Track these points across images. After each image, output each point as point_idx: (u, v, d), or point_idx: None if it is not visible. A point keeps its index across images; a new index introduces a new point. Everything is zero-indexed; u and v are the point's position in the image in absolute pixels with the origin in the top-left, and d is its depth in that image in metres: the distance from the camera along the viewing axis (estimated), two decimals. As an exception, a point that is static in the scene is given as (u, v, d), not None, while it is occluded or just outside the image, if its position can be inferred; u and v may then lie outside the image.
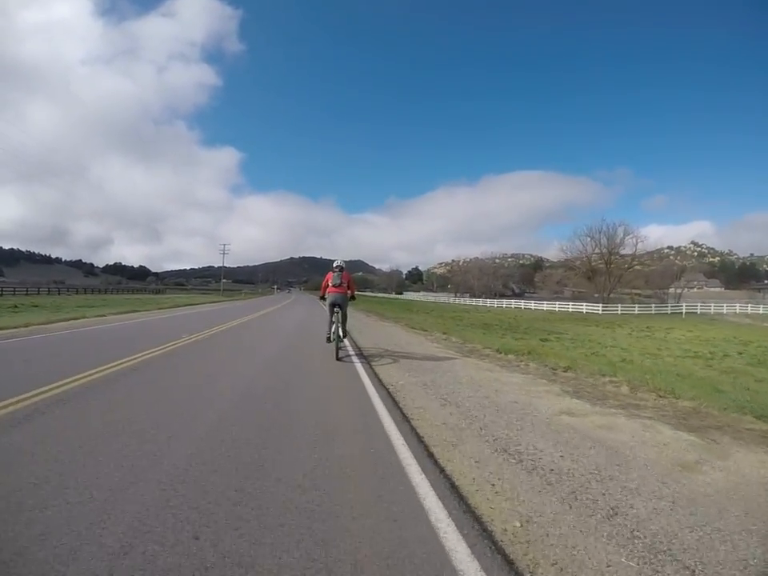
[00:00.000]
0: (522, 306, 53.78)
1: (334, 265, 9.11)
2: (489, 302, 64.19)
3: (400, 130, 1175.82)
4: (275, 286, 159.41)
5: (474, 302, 68.67)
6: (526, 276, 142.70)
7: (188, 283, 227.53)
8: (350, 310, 9.78)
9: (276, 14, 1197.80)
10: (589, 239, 63.73)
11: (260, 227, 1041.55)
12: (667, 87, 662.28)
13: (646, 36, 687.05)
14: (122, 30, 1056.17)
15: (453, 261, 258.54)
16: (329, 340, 8.98)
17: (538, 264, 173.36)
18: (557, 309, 46.30)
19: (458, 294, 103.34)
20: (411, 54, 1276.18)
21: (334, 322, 8.73)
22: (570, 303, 49.36)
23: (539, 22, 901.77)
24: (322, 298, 9.29)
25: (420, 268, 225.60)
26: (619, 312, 43.59)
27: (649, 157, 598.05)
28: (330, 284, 8.77)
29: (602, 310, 43.22)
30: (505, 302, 60.29)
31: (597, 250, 63.08)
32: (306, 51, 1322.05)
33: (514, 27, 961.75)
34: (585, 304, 46.06)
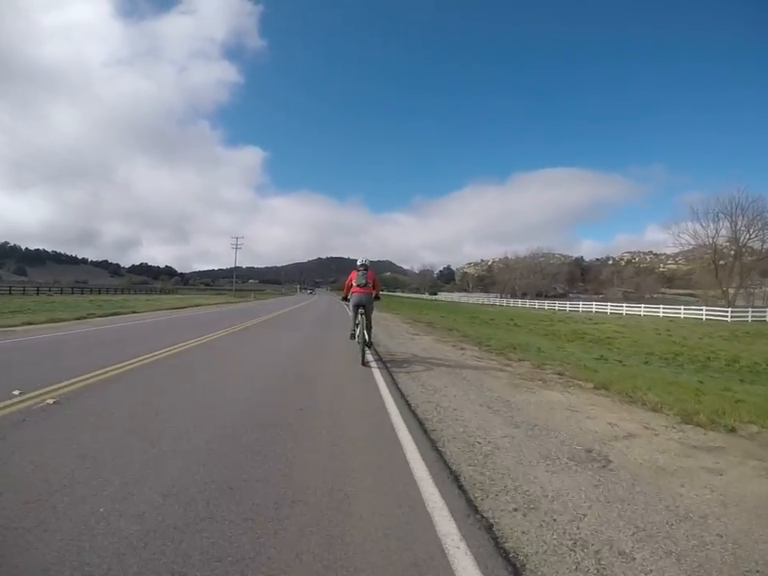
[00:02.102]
0: (623, 312, 40.56)
1: (358, 263, 8.44)
2: (549, 305, 54.60)
3: (427, 128, 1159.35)
4: (298, 286, 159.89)
5: (529, 304, 59.23)
6: (571, 275, 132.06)
7: (214, 283, 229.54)
8: (382, 315, 11.65)
9: (297, 8, 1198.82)
10: (719, 218, 44.14)
11: (286, 228, 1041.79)
12: (702, 84, 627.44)
13: (683, 30, 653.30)
14: (142, 30, 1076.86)
15: (482, 260, 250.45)
16: (352, 336, 8.39)
17: (578, 262, 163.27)
18: (682, 315, 35.24)
19: (502, 295, 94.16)
20: (437, 49, 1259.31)
21: (358, 324, 8.03)
22: (688, 307, 39.48)
23: (570, 15, 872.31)
24: (345, 298, 8.60)
25: (451, 267, 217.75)
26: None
27: (684, 152, 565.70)
28: (354, 284, 8.13)
29: (732, 317, 31.68)
30: (569, 305, 50.38)
31: (723, 234, 44.04)
32: (329, 46, 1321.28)
33: (542, 19, 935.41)
34: (705, 309, 35.00)
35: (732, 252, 43.88)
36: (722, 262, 44.23)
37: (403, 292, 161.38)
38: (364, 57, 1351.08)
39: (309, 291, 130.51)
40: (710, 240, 44.60)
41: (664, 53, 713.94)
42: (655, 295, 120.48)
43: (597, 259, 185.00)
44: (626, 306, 41.96)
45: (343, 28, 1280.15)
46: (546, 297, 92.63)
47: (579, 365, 9.01)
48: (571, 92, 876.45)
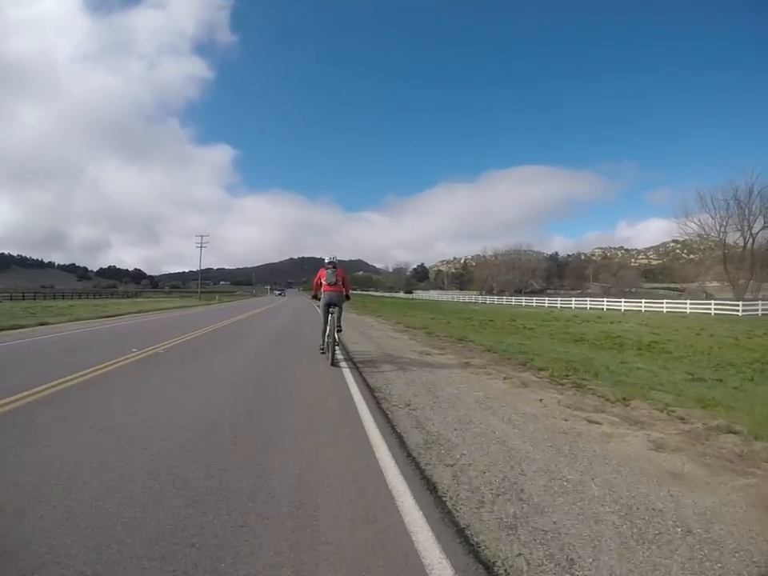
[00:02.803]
0: (621, 308, 37.75)
1: (327, 261, 8.05)
2: (539, 301, 51.42)
3: (398, 125, 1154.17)
4: (268, 287, 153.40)
5: (515, 301, 55.68)
6: (548, 271, 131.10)
7: (184, 285, 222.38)
8: (362, 319, 11.39)
9: (269, 2, 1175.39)
10: (730, 205, 41.36)
11: (258, 228, 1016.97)
12: (671, 73, 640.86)
13: (653, 19, 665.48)
14: (111, 23, 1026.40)
15: (455, 258, 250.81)
16: (322, 351, 8.09)
17: (553, 258, 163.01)
18: (688, 310, 32.55)
19: (483, 292, 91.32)
20: (409, 44, 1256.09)
21: (328, 328, 7.72)
22: (691, 301, 36.87)
23: (547, 5, 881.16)
24: (315, 297, 8.58)
25: (425, 265, 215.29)
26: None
27: (654, 148, 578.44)
28: (324, 282, 7.86)
29: (743, 311, 29.40)
30: (560, 301, 47.38)
31: (729, 223, 41.39)
32: (301, 42, 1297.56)
33: (518, 8, 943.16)
34: (714, 302, 32.54)
35: (740, 242, 41.35)
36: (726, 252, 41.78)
37: (377, 291, 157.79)
38: (336, 53, 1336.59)
39: (278, 292, 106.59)
40: (719, 229, 42.24)
41: (638, 46, 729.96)
42: (633, 290, 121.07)
43: (568, 255, 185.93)
44: (625, 302, 39.17)
45: (315, 23, 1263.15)
46: (524, 293, 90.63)
47: (705, 398, 5.31)
48: (544, 89, 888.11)
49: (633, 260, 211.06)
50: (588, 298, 45.44)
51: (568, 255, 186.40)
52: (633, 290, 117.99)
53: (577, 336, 14.98)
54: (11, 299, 40.75)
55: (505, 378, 6.44)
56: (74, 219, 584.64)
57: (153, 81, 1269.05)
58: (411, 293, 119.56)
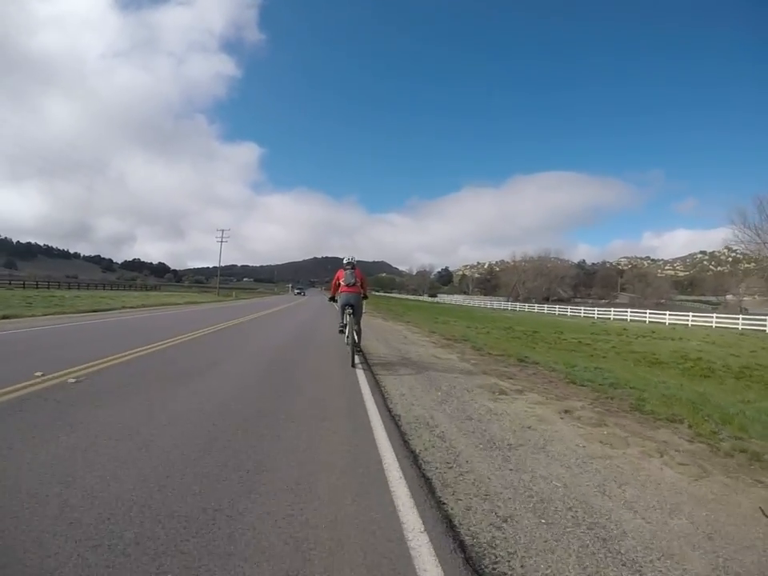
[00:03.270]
0: (666, 321, 34.99)
1: (345, 261, 7.95)
2: (573, 311, 48.20)
3: (425, 129, 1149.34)
4: (289, 285, 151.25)
5: (547, 309, 52.24)
6: (577, 279, 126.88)
7: (207, 281, 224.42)
8: (388, 326, 11.23)
9: (298, 1, 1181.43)
10: None
11: (282, 226, 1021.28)
12: (703, 83, 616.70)
13: (686, 31, 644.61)
14: (140, 20, 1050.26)
15: (478, 263, 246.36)
16: (341, 331, 8.13)
17: (580, 266, 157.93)
18: (740, 327, 29.42)
19: (508, 299, 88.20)
20: (440, 48, 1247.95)
21: (346, 324, 7.71)
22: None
23: (573, 13, 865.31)
24: (332, 299, 8.47)
25: (449, 269, 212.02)
26: None
27: (681, 157, 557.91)
28: (343, 283, 7.74)
29: None
30: (597, 311, 43.95)
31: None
32: (329, 42, 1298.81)
33: (544, 17, 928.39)
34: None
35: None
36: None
37: (400, 293, 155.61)
38: (365, 54, 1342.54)
39: (297, 291, 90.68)
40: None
41: (667, 55, 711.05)
42: (663, 301, 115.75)
43: (593, 263, 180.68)
44: (670, 315, 35.95)
45: (344, 24, 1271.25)
46: (551, 301, 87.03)
47: None
48: (572, 95, 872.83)
49: (659, 270, 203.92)
50: (629, 309, 42.20)
51: (593, 263, 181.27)
52: (663, 301, 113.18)
53: (649, 357, 12.47)
54: (24, 287, 40.24)
55: (662, 455, 3.85)
56: (101, 212, 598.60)
57: (181, 78, 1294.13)
58: (435, 296, 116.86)
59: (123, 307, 19.33)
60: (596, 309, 45.26)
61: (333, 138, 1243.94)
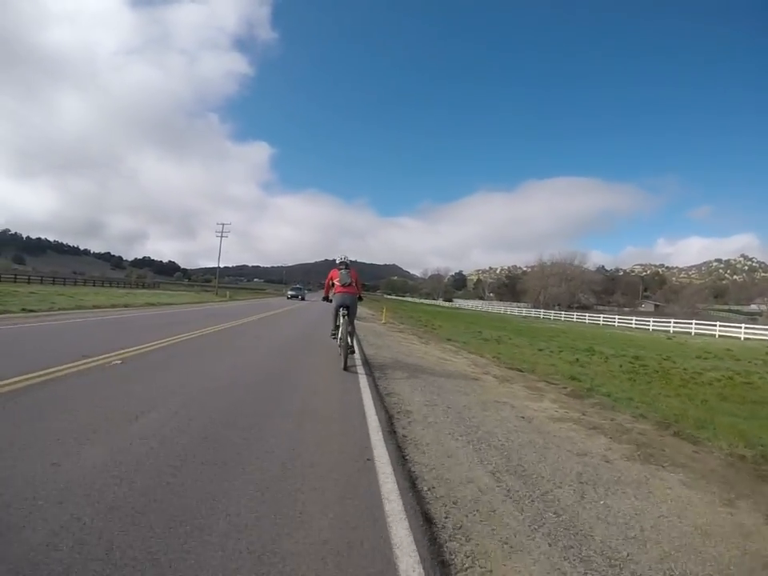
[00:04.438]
0: (716, 332, 30.10)
1: (338, 261, 7.96)
2: (621, 320, 41.55)
3: (437, 133, 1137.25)
4: (298, 285, 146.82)
5: (587, 318, 45.59)
6: (603, 285, 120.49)
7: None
8: (428, 351, 9.10)
9: (312, 1, 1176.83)
10: None
11: (293, 227, 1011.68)
12: (719, 87, 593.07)
13: (705, 30, 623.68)
14: (153, 17, 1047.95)
15: (490, 267, 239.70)
16: (333, 336, 7.85)
17: (599, 271, 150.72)
18: None
19: (529, 305, 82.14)
20: (456, 49, 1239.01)
21: (339, 326, 7.46)
22: None
23: (586, 16, 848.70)
24: (326, 299, 8.18)
25: (463, 273, 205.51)
26: None
27: (697, 162, 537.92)
28: (338, 282, 7.57)
29: None
30: (653, 321, 36.95)
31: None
32: (343, 41, 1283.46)
33: (554, 20, 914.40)
34: None
35: None
36: None
37: (413, 296, 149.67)
38: (376, 54, 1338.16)
39: (292, 293, 50.78)
40: None
41: (684, 57, 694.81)
42: (686, 309, 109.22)
43: (607, 270, 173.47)
44: (721, 326, 30.21)
45: (359, 24, 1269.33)
46: (575, 308, 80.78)
47: None
48: (588, 97, 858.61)
49: (674, 278, 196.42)
50: (672, 319, 36.16)
51: (606, 270, 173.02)
52: (697, 311, 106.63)
53: None
54: (15, 281, 37.85)
55: None
56: (114, 209, 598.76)
57: (193, 76, 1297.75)
58: (451, 301, 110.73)
59: (79, 308, 13.91)
60: (650, 319, 38.70)
61: (344, 139, 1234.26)
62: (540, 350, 13.20)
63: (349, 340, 7.30)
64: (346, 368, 6.97)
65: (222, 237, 54.11)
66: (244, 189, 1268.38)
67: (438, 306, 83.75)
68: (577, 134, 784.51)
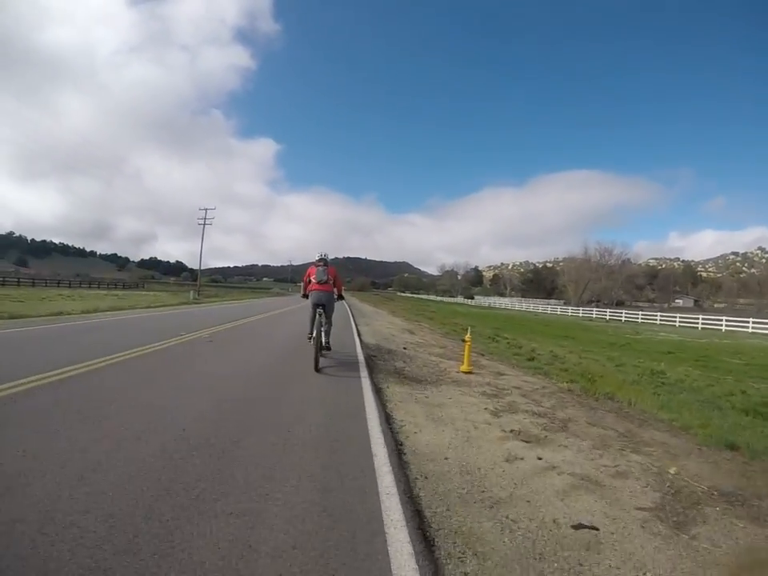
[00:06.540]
0: None
1: (317, 257, 7.46)
2: (708, 320, 33.87)
3: (445, 127, 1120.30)
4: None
5: (658, 318, 37.36)
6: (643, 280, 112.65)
7: (225, 281, 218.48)
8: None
9: None
10: None
11: (301, 225, 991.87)
12: (735, 77, 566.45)
13: (720, 20, 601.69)
14: (152, 12, 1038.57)
15: (501, 263, 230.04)
16: (310, 339, 7.31)
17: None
18: None
19: (563, 302, 74.77)
20: (460, 42, 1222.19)
21: (315, 330, 7.04)
22: None
23: (596, 8, 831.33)
24: (305, 296, 7.70)
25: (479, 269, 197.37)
26: None
27: (711, 154, 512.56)
28: (314, 280, 7.22)
29: None
30: (724, 320, 29.48)
31: None
32: (347, 33, 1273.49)
33: (565, 12, 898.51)
34: None
35: None
36: None
37: (428, 293, 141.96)
38: (383, 45, 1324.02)
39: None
40: None
41: (697, 46, 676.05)
42: (720, 305, 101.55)
43: (622, 263, 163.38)
44: None
45: (363, 14, 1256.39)
46: (608, 305, 73.34)
47: None
48: (594, 90, 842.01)
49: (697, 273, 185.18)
50: (739, 319, 29.24)
51: (622, 263, 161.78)
52: (720, 305, 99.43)
53: None
54: (3, 284, 37.94)
55: None
56: (120, 210, 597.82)
57: (195, 71, 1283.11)
58: (472, 298, 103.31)
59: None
60: (686, 316, 31.24)
61: (350, 133, 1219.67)
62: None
63: (323, 339, 7.05)
64: (317, 369, 6.63)
65: (204, 224, 47.06)
66: (251, 187, 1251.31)
67: (465, 304, 76.61)
68: (587, 126, 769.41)
